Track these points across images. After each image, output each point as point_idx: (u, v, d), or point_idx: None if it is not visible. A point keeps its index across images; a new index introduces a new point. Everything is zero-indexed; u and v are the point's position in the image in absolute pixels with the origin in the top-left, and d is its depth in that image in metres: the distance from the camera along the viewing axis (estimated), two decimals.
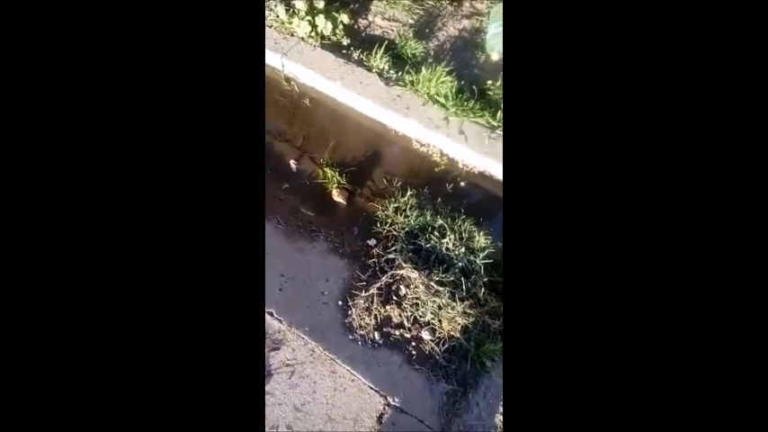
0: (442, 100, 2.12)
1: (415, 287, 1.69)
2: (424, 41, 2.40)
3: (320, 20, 2.25)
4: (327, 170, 2.00)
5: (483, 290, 1.67)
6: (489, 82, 2.23)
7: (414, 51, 2.32)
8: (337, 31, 2.32)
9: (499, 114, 2.07)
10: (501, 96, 2.19)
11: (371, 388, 1.52)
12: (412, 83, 2.17)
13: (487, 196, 2.02)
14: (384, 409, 1.49)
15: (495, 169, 2.03)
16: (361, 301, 1.68)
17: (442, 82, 2.14)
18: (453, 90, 2.14)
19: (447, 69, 2.16)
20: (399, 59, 2.31)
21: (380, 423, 1.46)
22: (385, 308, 1.67)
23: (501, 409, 1.50)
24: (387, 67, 2.23)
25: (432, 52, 2.37)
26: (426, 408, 1.49)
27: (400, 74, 2.20)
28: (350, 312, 1.67)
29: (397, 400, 1.50)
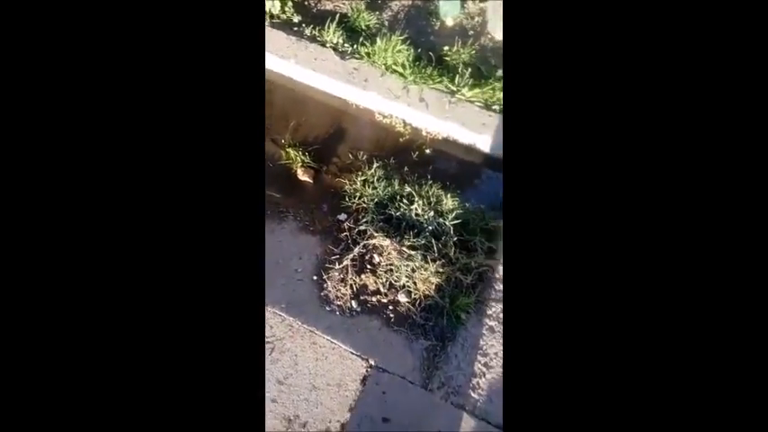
0: (399, 69, 2.11)
1: (388, 254, 1.72)
2: (377, 12, 2.37)
3: None
4: (290, 150, 1.98)
5: (453, 249, 1.70)
6: (446, 48, 2.23)
7: (367, 23, 2.30)
8: (286, 9, 2.27)
9: (458, 79, 2.08)
10: (458, 61, 2.20)
11: (353, 353, 1.55)
12: (368, 55, 2.15)
13: (452, 160, 2.04)
14: (367, 371, 1.52)
15: (458, 133, 2.06)
16: (336, 274, 1.70)
17: (399, 51, 2.13)
18: (410, 58, 2.13)
19: (402, 38, 2.15)
20: (353, 32, 2.28)
21: (364, 384, 1.50)
22: (360, 277, 1.70)
23: (479, 357, 1.56)
24: (341, 41, 2.20)
25: (386, 23, 2.35)
26: (408, 365, 1.53)
27: (355, 47, 2.18)
28: (325, 285, 1.68)
29: (378, 361, 1.54)
